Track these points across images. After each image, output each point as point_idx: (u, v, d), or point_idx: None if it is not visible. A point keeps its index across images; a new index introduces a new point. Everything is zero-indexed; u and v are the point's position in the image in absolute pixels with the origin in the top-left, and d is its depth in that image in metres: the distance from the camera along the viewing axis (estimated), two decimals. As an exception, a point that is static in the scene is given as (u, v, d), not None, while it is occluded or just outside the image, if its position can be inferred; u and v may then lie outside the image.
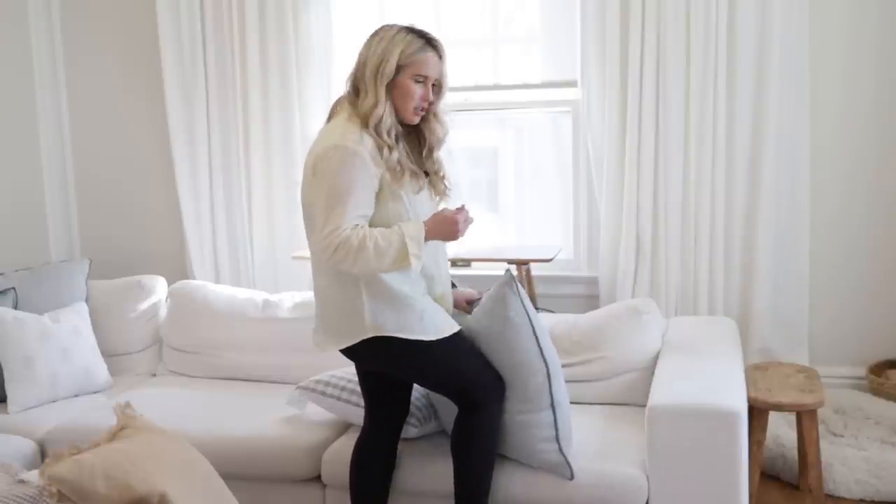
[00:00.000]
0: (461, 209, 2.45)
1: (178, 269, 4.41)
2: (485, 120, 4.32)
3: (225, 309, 3.58)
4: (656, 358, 3.00)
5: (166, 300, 3.80)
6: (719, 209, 3.77)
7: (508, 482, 2.59)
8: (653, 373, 2.89)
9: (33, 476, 2.13)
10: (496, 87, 4.18)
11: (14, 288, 3.52)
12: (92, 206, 4.68)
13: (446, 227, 2.41)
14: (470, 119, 4.31)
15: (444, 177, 2.54)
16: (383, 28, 2.44)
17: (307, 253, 4.09)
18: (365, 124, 2.35)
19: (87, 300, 3.69)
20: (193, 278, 4.31)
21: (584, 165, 4.04)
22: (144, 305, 3.75)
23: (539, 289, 3.96)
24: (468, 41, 4.22)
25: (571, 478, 2.54)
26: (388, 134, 2.37)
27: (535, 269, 3.92)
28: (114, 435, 2.25)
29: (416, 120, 2.45)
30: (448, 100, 4.18)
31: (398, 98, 2.39)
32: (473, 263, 4.08)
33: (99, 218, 4.67)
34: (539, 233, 4.28)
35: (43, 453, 3.06)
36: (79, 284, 3.71)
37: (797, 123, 3.72)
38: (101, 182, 4.64)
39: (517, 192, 4.35)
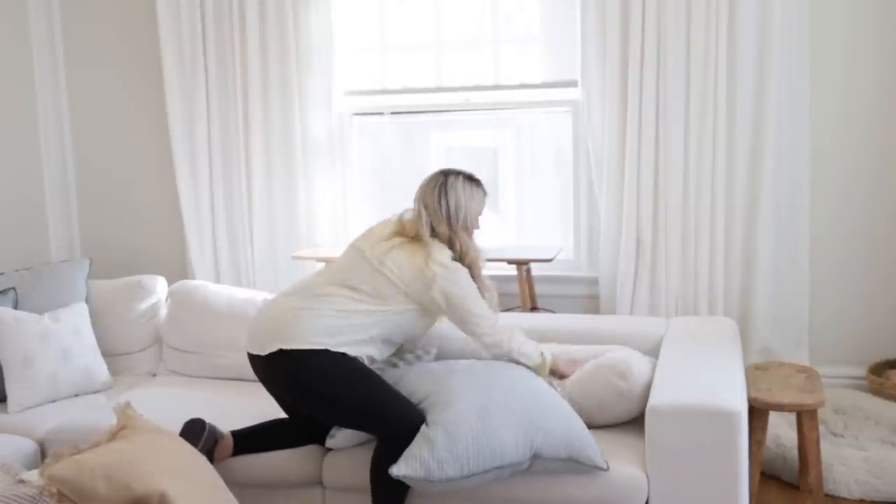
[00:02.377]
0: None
1: (178, 269, 4.41)
2: (485, 120, 4.32)
3: (225, 309, 3.58)
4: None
5: (166, 300, 3.80)
6: (719, 209, 3.77)
7: (508, 482, 2.59)
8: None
9: (33, 476, 2.13)
10: (496, 87, 4.17)
11: (14, 288, 3.52)
12: (92, 207, 4.68)
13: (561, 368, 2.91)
14: (470, 119, 4.32)
15: None
16: (451, 177, 2.79)
17: (307, 253, 4.12)
18: (462, 261, 2.75)
19: (87, 300, 3.69)
20: (193, 278, 4.31)
21: (585, 165, 4.04)
22: (144, 305, 3.75)
23: (539, 289, 3.97)
24: (468, 41, 4.22)
25: (607, 469, 2.54)
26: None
27: (535, 269, 3.91)
28: (114, 435, 2.26)
29: None
30: (448, 100, 4.21)
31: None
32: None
33: (99, 218, 4.68)
34: (539, 233, 4.27)
35: (43, 453, 3.05)
36: (79, 284, 3.71)
37: (797, 123, 3.72)
38: (102, 182, 4.65)
39: (517, 193, 4.35)
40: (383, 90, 4.32)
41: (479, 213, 2.85)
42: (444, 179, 2.78)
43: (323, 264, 4.10)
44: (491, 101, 4.19)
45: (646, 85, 3.74)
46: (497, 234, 4.30)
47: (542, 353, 2.85)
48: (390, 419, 2.60)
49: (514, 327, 2.86)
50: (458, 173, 2.82)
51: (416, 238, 2.75)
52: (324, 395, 2.64)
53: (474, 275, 2.77)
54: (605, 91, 3.83)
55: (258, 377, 2.80)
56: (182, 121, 4.29)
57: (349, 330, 2.67)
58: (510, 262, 3.80)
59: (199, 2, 4.18)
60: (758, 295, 3.79)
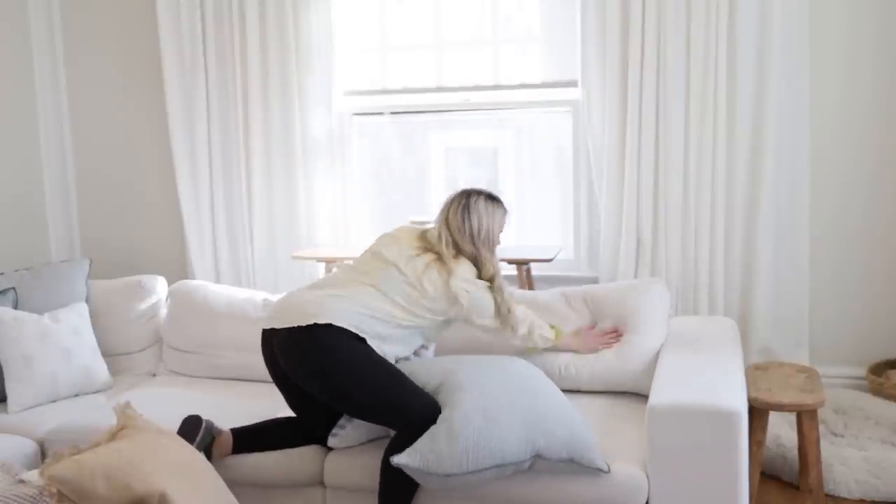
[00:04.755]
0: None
1: (178, 269, 4.41)
2: (485, 120, 4.33)
3: (225, 309, 3.58)
4: (657, 355, 3.00)
5: (166, 300, 3.79)
6: (719, 209, 3.77)
7: (508, 481, 2.59)
8: (653, 372, 2.89)
9: (33, 476, 2.13)
10: (496, 87, 4.18)
11: (14, 288, 3.52)
12: (92, 207, 4.68)
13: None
14: (470, 119, 4.32)
15: None
16: (473, 196, 2.90)
17: (307, 253, 4.12)
18: (489, 281, 2.85)
19: (87, 300, 3.69)
20: (193, 278, 4.31)
21: (585, 165, 4.04)
22: (144, 305, 3.75)
23: (539, 289, 3.96)
24: (468, 41, 4.22)
25: (608, 471, 2.54)
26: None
27: (535, 269, 3.92)
28: (114, 435, 2.25)
29: None
30: (448, 100, 4.20)
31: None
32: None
33: (99, 218, 4.68)
34: (539, 233, 4.28)
35: (43, 453, 3.05)
36: (79, 284, 3.71)
37: (797, 123, 3.72)
38: (102, 182, 4.65)
39: (517, 193, 4.35)
40: (383, 90, 4.32)
41: (501, 230, 2.95)
42: (466, 200, 2.89)
43: (322, 264, 4.11)
44: (491, 101, 4.19)
45: (646, 85, 3.74)
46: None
47: (552, 328, 3.02)
48: (408, 411, 2.61)
49: (531, 317, 2.97)
50: (479, 193, 2.92)
51: (441, 255, 2.84)
52: (347, 376, 2.63)
53: (495, 286, 2.85)
54: (605, 91, 3.83)
55: (277, 353, 2.73)
56: (182, 121, 4.29)
57: (379, 328, 2.72)
58: (510, 262, 3.79)
59: (199, 2, 4.18)
60: (758, 295, 3.79)
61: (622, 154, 3.85)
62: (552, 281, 4.04)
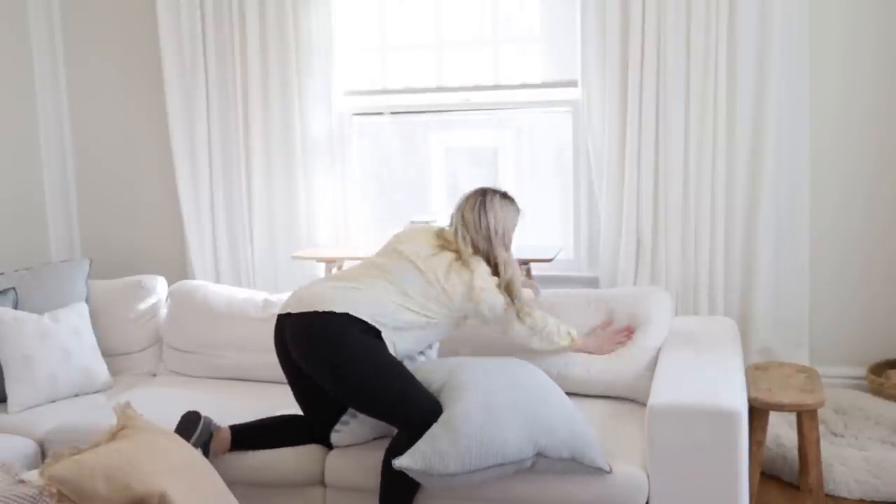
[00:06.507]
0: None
1: (178, 269, 4.41)
2: (485, 120, 4.32)
3: (225, 309, 3.58)
4: (657, 356, 3.00)
5: (166, 300, 3.80)
6: (719, 209, 3.77)
7: (509, 480, 2.59)
8: (653, 372, 2.89)
9: (33, 476, 2.13)
10: (496, 87, 4.18)
11: (14, 288, 3.52)
12: (92, 206, 4.68)
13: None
14: (470, 119, 4.32)
15: None
16: (489, 195, 2.93)
17: (307, 253, 4.12)
18: (505, 287, 2.84)
19: (87, 300, 3.69)
20: (193, 278, 4.31)
21: (585, 166, 4.04)
22: (144, 305, 3.75)
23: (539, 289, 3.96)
24: (468, 41, 4.22)
25: (609, 471, 2.55)
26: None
27: (535, 269, 3.92)
28: (114, 435, 2.25)
29: None
30: (448, 100, 4.22)
31: None
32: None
33: (99, 218, 4.68)
34: (539, 233, 4.27)
35: (43, 453, 3.05)
36: (79, 284, 3.71)
37: (797, 123, 3.72)
38: (102, 182, 4.65)
39: (517, 193, 4.31)
40: (383, 90, 4.32)
41: (514, 229, 2.97)
42: (482, 198, 2.92)
43: (322, 264, 4.11)
44: (491, 101, 4.19)
45: (646, 85, 3.74)
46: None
47: (568, 334, 2.98)
48: (413, 409, 2.60)
49: (548, 320, 2.95)
50: (494, 191, 2.95)
51: (459, 254, 2.84)
52: (355, 365, 2.62)
53: (513, 289, 2.85)
54: (605, 91, 3.83)
55: (289, 339, 2.73)
56: (182, 121, 4.29)
57: (392, 321, 2.72)
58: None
59: (199, 2, 4.18)
60: (758, 295, 3.79)
61: (622, 154, 3.85)
62: (552, 281, 4.04)
